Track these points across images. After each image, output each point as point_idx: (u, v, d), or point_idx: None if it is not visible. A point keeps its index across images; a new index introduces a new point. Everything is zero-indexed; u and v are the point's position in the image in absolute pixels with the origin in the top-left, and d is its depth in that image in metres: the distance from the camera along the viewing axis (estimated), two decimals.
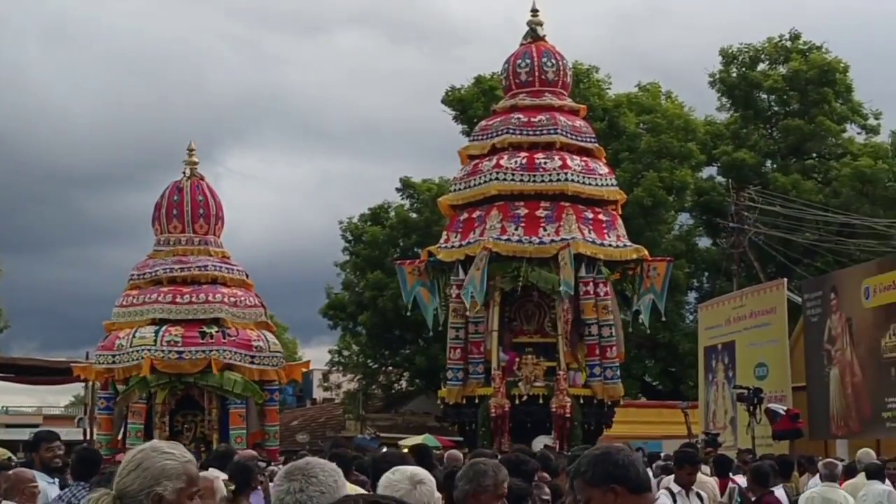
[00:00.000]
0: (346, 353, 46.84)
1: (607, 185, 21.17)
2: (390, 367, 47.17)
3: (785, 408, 20.04)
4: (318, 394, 57.71)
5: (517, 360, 20.03)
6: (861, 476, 12.13)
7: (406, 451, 27.65)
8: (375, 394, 48.42)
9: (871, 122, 40.11)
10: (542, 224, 20.30)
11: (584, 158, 21.13)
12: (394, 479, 5.04)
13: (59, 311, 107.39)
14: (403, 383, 48.67)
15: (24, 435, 42.51)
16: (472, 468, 5.75)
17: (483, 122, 22.61)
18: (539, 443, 17.63)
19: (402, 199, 45.18)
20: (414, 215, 43.71)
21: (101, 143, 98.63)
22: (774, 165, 39.66)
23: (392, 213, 44.68)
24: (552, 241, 20.02)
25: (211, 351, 20.10)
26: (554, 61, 21.91)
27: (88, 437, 32.82)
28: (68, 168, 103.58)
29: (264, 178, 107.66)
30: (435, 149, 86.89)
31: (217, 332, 20.41)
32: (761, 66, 40.68)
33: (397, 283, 39.39)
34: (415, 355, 42.37)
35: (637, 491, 3.63)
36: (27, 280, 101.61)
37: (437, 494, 5.16)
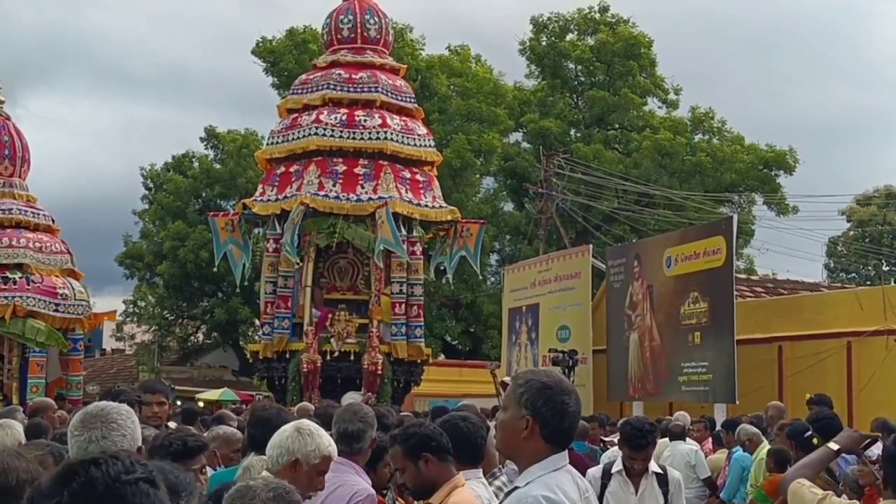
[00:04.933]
0: (141, 303, 45.87)
1: (425, 145, 21.31)
2: (187, 320, 46.47)
3: None
4: (108, 344, 56.30)
5: (330, 316, 20.05)
6: (665, 439, 12.67)
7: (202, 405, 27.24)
8: (170, 346, 47.64)
9: (672, 97, 41.65)
10: (361, 181, 20.30)
11: (404, 118, 21.22)
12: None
13: None
14: (200, 336, 48.01)
15: None
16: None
17: (303, 76, 22.38)
18: (349, 398, 17.68)
19: (207, 149, 44.48)
20: (218, 166, 43.09)
21: None
22: (578, 134, 40.68)
23: (196, 164, 43.91)
24: (370, 198, 20.06)
25: (14, 297, 19.37)
26: (377, 19, 21.86)
27: None
28: None
29: (65, 122, 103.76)
30: (242, 99, 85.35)
31: (21, 277, 19.68)
32: (570, 37, 41.62)
33: (199, 234, 39.11)
34: (214, 308, 41.85)
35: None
36: None
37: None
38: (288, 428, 5.06)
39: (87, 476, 2.11)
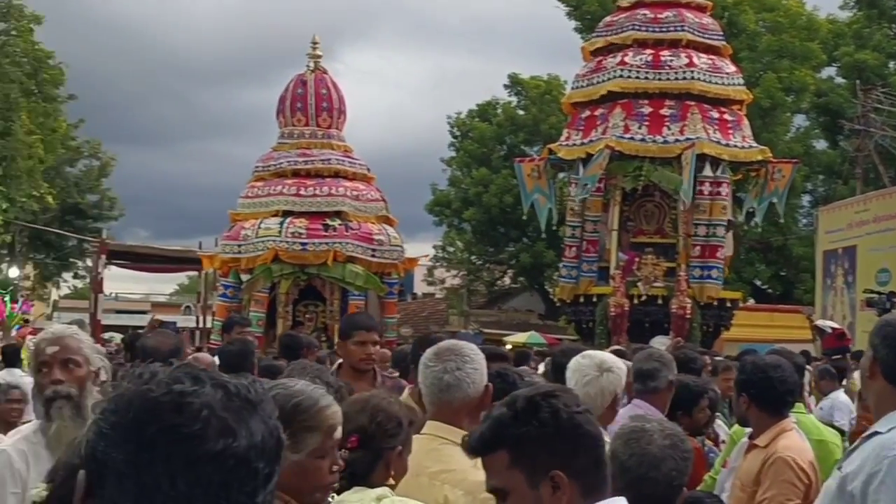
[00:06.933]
0: (450, 249, 47.14)
1: (734, 84, 20.69)
2: (494, 264, 47.39)
3: (833, 325, 19.66)
4: (419, 288, 58.23)
5: (636, 260, 19.88)
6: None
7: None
8: (478, 290, 48.75)
9: None
10: (667, 123, 19.94)
11: (711, 56, 20.65)
12: (583, 363, 5.14)
13: (172, 202, 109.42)
14: (507, 280, 48.89)
15: (134, 320, 43.63)
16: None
17: (608, 18, 22.15)
18: (657, 343, 17.53)
19: (510, 95, 45.00)
20: (521, 112, 43.54)
21: (221, 38, 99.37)
22: None
23: (499, 110, 44.54)
24: (676, 140, 19.68)
25: (334, 243, 20.26)
26: None
27: (201, 325, 33.55)
28: (189, 62, 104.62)
29: (381, 75, 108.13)
30: (545, 45, 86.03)
31: (340, 224, 20.56)
32: None
33: (502, 180, 39.72)
34: (519, 252, 42.50)
35: None
36: (142, 171, 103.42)
37: (623, 383, 5.26)
38: (593, 367, 5.12)
39: (552, 407, 2.32)
